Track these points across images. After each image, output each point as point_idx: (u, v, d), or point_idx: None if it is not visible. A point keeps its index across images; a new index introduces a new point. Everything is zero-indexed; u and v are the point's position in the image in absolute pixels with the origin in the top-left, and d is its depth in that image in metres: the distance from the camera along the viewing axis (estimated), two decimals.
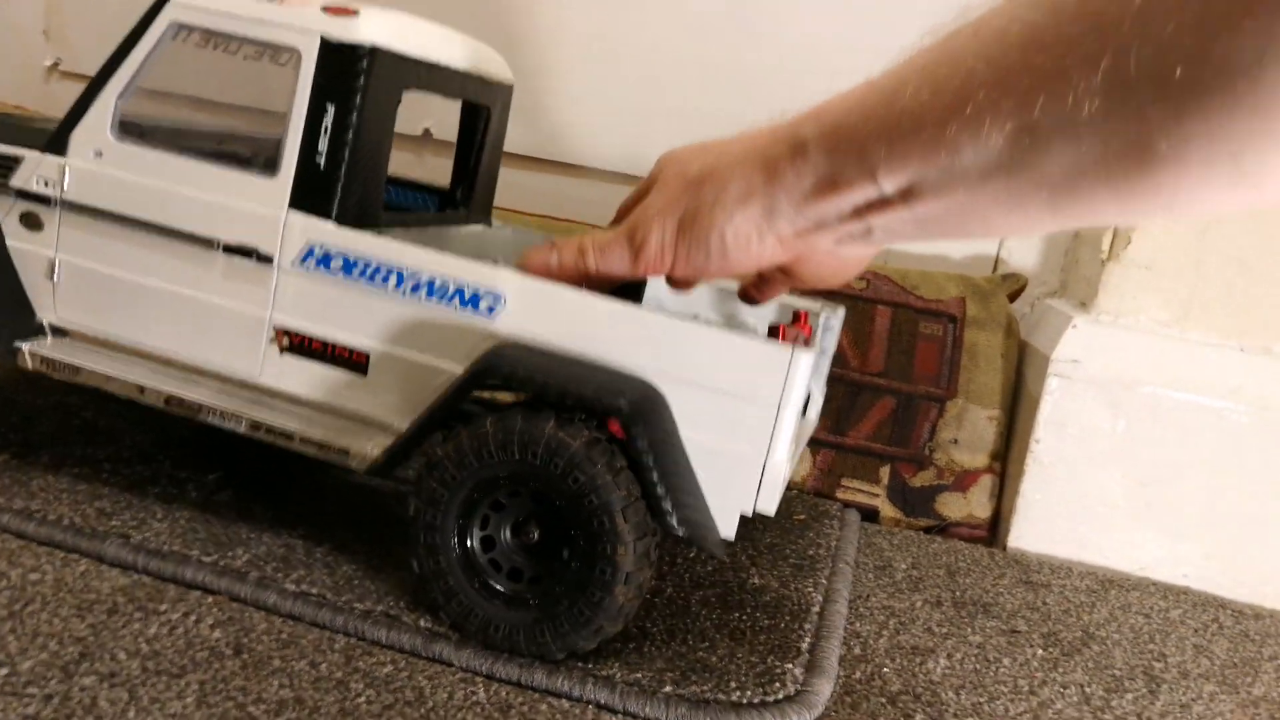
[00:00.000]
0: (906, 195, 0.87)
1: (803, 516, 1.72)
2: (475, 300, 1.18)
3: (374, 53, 1.21)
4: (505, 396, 1.40)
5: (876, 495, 1.88)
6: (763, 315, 1.53)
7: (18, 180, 1.30)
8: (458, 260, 1.19)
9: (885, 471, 1.88)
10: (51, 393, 1.66)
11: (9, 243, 1.32)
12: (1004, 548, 1.82)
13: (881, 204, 0.90)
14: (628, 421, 1.07)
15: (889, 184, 0.88)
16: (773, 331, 1.40)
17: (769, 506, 1.12)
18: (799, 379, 1.10)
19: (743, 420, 1.11)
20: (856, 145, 0.89)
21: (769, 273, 1.19)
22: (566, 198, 2.16)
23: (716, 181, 1.03)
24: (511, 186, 2.14)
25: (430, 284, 1.19)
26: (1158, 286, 1.79)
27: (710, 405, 1.12)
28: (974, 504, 1.87)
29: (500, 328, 1.17)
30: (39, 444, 1.46)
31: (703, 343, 1.12)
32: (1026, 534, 1.80)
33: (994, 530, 1.87)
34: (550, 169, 2.18)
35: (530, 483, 1.11)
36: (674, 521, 1.09)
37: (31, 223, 1.31)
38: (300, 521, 1.36)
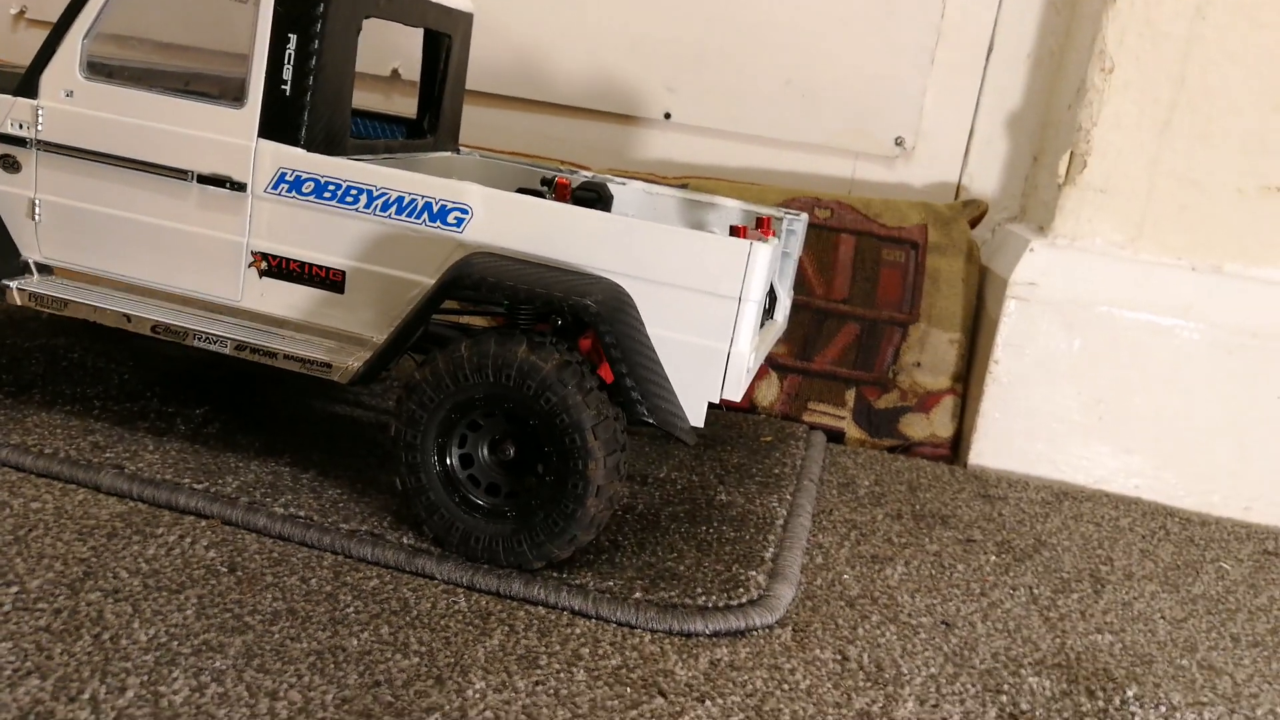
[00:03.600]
0: None
1: (770, 438, 1.78)
2: (443, 214, 1.23)
3: None
4: (479, 322, 1.46)
5: (842, 418, 1.95)
6: (726, 221, 1.59)
7: None
8: (423, 177, 1.24)
9: (850, 395, 1.95)
10: (38, 335, 1.70)
11: None
12: (964, 465, 1.89)
13: None
14: (596, 320, 1.13)
15: None
16: (733, 232, 1.45)
17: (735, 394, 1.20)
18: (759, 271, 1.16)
19: (706, 314, 1.18)
20: None
21: None
22: (537, 134, 2.19)
23: None
24: (482, 125, 2.17)
25: (399, 201, 1.24)
26: (1112, 209, 1.85)
27: (675, 301, 1.19)
28: (936, 424, 1.94)
29: (469, 238, 1.22)
30: (30, 383, 1.51)
31: (664, 242, 1.18)
32: (986, 451, 1.88)
33: (956, 449, 1.94)
34: (520, 106, 2.20)
35: (505, 403, 1.17)
36: (644, 410, 1.15)
37: (9, 165, 1.34)
38: (285, 450, 1.42)
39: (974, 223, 2.02)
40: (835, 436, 1.93)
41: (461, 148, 1.74)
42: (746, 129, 2.13)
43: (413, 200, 1.23)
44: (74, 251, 1.35)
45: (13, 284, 1.34)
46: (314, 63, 1.24)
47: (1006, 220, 2.10)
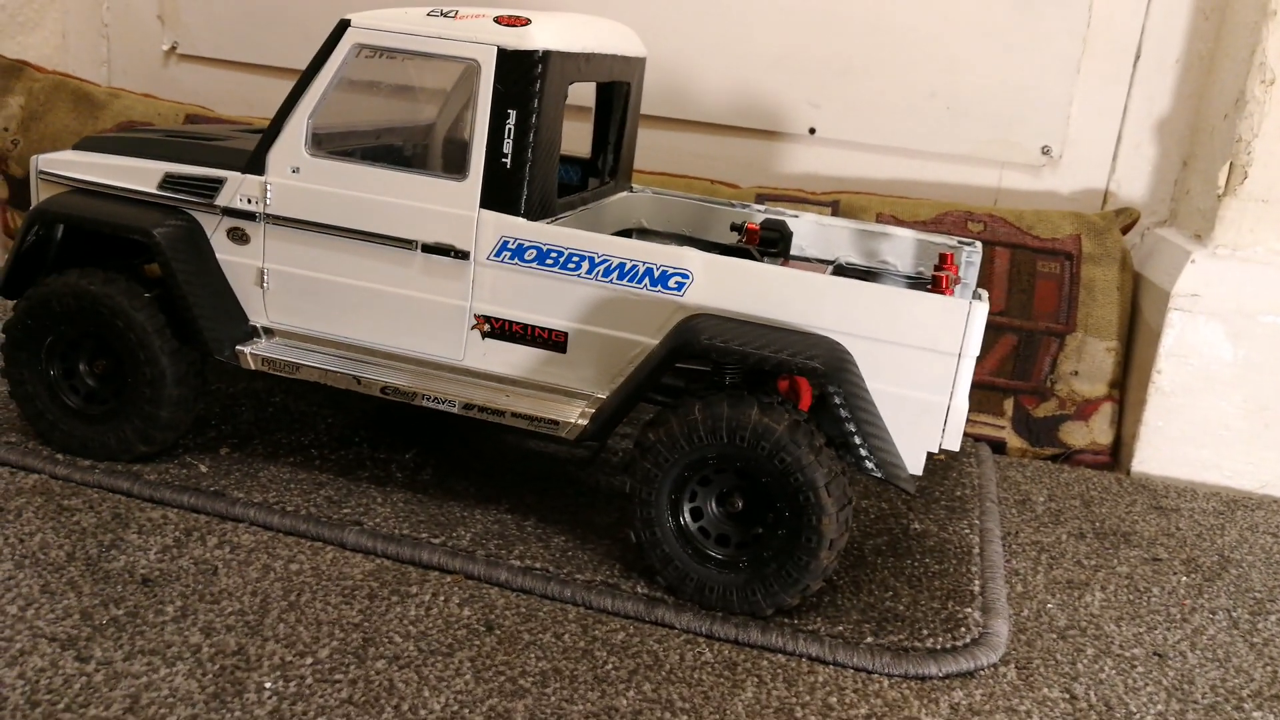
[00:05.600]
0: None
1: (942, 455, 1.82)
2: (664, 278, 1.29)
3: (546, 56, 1.29)
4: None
5: (1002, 427, 1.98)
6: (901, 252, 1.63)
7: (223, 200, 1.41)
8: (643, 244, 1.30)
9: (1009, 404, 1.98)
10: (238, 380, 1.79)
11: (219, 256, 1.43)
12: (1128, 472, 1.91)
13: None
14: (824, 380, 1.18)
15: None
16: (934, 281, 1.49)
17: (954, 444, 1.25)
18: (976, 329, 1.21)
19: (926, 370, 1.23)
20: None
21: None
22: (683, 152, 2.23)
23: None
24: None
25: (620, 267, 1.29)
26: (1275, 219, 1.84)
27: (895, 357, 1.23)
28: (1096, 431, 1.96)
29: (689, 301, 1.28)
30: (248, 433, 1.60)
31: (883, 301, 1.23)
32: (1151, 459, 1.90)
33: (1115, 454, 1.97)
34: (666, 125, 2.23)
35: (736, 462, 1.22)
36: (871, 465, 1.21)
37: (239, 237, 1.42)
38: (501, 496, 1.49)
39: (1125, 230, 2.03)
40: (996, 447, 1.96)
41: (634, 185, 1.78)
42: (891, 142, 2.15)
43: (634, 266, 1.28)
44: (299, 316, 1.42)
45: (246, 349, 1.42)
46: (532, 135, 1.30)
47: (1156, 224, 2.10)
